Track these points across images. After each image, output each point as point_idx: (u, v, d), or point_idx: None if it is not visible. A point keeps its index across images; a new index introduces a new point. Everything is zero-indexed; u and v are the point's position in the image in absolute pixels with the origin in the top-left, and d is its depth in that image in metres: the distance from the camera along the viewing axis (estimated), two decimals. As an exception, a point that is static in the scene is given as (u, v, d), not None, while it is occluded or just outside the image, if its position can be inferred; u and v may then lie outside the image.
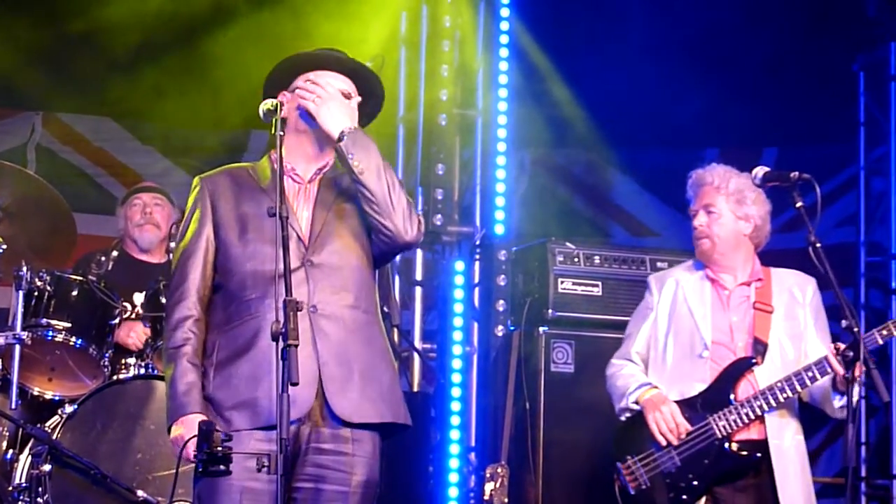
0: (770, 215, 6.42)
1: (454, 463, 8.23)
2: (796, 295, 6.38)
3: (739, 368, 6.21)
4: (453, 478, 8.20)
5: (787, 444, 6.20)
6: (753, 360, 6.22)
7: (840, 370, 5.89)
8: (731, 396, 6.18)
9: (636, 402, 6.33)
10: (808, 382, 6.10)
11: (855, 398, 5.58)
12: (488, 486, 7.52)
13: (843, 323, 5.70)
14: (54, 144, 10.38)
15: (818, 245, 5.72)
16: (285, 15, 8.90)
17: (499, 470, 7.58)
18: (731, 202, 6.32)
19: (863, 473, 9.41)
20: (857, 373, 5.56)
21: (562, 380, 7.82)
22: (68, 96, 10.03)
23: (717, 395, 6.19)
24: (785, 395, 6.11)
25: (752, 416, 6.13)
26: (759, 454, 6.15)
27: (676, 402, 6.26)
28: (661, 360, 6.38)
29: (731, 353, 6.28)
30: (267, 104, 5.02)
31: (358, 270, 5.15)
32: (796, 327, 6.33)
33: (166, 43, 9.10)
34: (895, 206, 9.60)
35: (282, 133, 4.98)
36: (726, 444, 6.16)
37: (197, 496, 5.02)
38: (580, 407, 7.68)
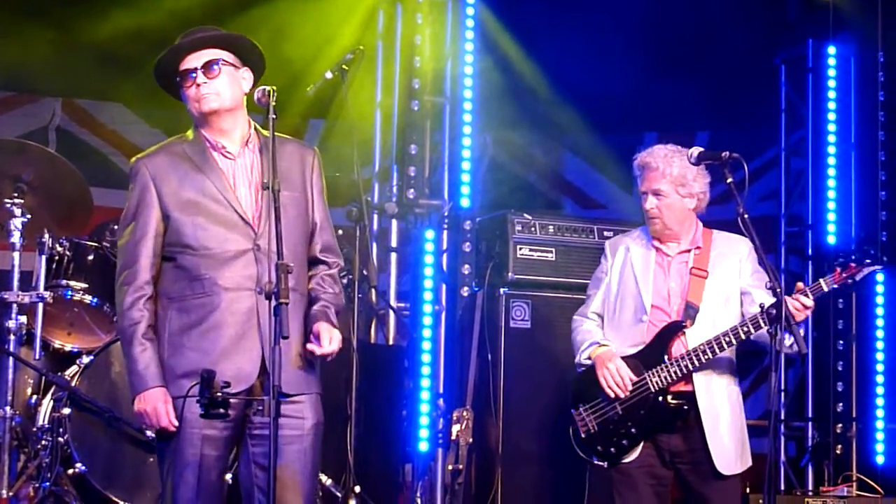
0: (709, 185, 6.35)
1: (425, 408, 8.21)
2: (732, 258, 6.32)
3: (672, 330, 6.17)
4: (424, 420, 8.20)
5: (715, 395, 6.16)
6: (683, 324, 6.19)
7: (794, 312, 5.85)
8: (665, 356, 6.15)
9: (588, 358, 6.32)
10: (725, 346, 6.07)
11: (795, 347, 5.61)
12: (455, 428, 7.50)
13: (767, 284, 5.71)
14: (72, 127, 10.32)
15: (746, 216, 5.73)
16: (275, 14, 8.87)
17: (464, 413, 7.55)
18: (676, 184, 6.23)
19: (782, 416, 9.48)
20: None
21: (520, 334, 7.81)
22: (85, 85, 9.97)
23: (653, 354, 6.16)
24: (706, 357, 6.08)
25: (682, 374, 6.09)
26: (686, 406, 6.13)
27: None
28: (617, 321, 6.33)
29: (667, 316, 6.22)
30: (260, 91, 4.94)
31: (299, 255, 5.06)
32: (729, 289, 6.27)
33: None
34: (811, 183, 9.66)
35: (274, 116, 4.89)
36: (660, 397, 6.14)
37: (160, 450, 5.00)
38: (536, 358, 7.71)
